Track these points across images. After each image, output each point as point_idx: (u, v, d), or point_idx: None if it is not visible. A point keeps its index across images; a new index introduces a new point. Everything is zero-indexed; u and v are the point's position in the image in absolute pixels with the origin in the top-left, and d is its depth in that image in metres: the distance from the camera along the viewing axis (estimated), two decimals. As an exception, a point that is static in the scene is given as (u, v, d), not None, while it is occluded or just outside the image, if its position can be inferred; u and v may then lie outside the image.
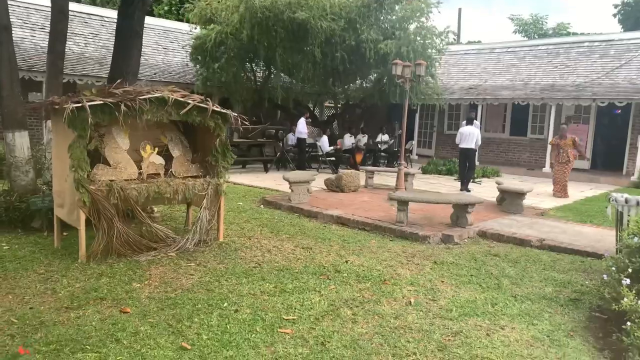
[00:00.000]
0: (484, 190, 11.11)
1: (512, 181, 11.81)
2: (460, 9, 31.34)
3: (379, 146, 16.21)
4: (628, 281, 3.79)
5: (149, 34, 15.89)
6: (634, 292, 3.68)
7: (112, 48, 8.96)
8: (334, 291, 4.59)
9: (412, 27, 13.80)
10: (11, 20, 6.89)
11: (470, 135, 11.09)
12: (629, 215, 5.17)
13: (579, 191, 11.79)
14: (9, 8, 6.90)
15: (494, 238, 6.92)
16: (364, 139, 15.79)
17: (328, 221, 7.63)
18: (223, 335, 3.59)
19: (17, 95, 6.65)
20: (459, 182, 11.67)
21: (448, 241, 6.63)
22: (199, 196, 5.80)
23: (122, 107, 4.99)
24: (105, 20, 16.00)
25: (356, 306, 4.27)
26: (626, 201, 5.23)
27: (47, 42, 7.72)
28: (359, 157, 15.00)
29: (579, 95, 14.49)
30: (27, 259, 5.13)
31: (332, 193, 9.95)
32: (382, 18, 14.09)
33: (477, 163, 13.22)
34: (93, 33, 15.46)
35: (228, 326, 3.75)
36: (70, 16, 8.08)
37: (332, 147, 14.92)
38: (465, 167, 11.38)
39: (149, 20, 15.27)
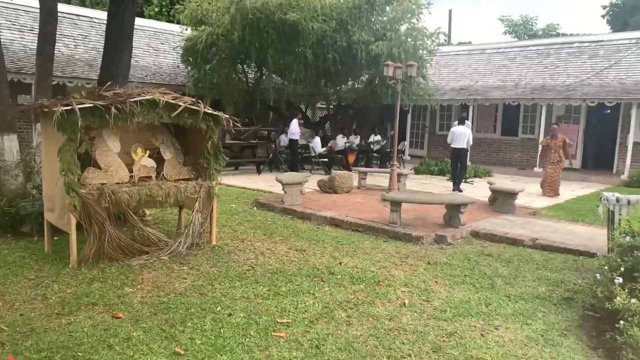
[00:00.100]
0: (476, 190, 11.15)
1: (503, 181, 11.87)
2: (450, 10, 31.54)
3: (372, 147, 16.22)
4: (620, 280, 3.82)
5: (139, 35, 15.77)
6: (626, 290, 3.70)
7: (102, 50, 8.89)
8: (328, 293, 4.58)
9: (403, 28, 13.83)
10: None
11: (461, 135, 11.13)
12: (620, 214, 5.22)
13: (570, 190, 11.87)
14: (-3, 10, 6.83)
15: (486, 238, 6.95)
16: (356, 140, 15.81)
17: (321, 223, 7.62)
18: (217, 340, 3.56)
19: (5, 97, 6.58)
20: (451, 182, 11.71)
21: (441, 241, 6.64)
22: (191, 199, 5.76)
23: (113, 109, 4.94)
24: (94, 22, 15.86)
25: (350, 308, 4.26)
26: (617, 200, 5.28)
27: (36, 44, 7.64)
28: (351, 158, 15.00)
29: (569, 95, 14.61)
30: (16, 265, 5.06)
31: (325, 194, 9.94)
32: (373, 19, 14.10)
33: (468, 163, 13.29)
34: (83, 35, 15.32)
35: (222, 330, 3.72)
36: (59, 17, 8.00)
37: (324, 149, 14.91)
38: (457, 167, 11.42)
39: (139, 21, 15.19)
